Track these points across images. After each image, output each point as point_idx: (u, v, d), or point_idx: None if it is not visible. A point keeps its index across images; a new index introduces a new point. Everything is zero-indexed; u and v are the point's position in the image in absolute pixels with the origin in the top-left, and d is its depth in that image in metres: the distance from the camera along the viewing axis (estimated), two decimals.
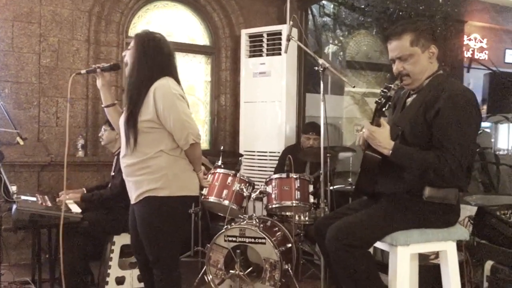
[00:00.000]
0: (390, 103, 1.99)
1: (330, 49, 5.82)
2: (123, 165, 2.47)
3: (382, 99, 1.99)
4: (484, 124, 7.92)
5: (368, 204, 2.21)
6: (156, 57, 2.40)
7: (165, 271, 2.45)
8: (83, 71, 2.60)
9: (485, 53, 7.14)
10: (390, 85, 1.99)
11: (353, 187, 4.09)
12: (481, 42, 7.17)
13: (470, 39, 7.10)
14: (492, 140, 7.09)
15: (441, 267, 2.13)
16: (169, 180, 2.35)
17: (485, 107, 6.65)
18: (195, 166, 2.48)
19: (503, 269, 2.22)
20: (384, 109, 2.01)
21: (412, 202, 2.07)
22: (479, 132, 6.71)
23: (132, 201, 2.49)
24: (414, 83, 2.15)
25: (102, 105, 2.64)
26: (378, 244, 2.10)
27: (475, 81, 8.01)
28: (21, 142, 2.73)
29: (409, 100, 2.21)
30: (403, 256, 2.01)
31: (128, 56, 2.45)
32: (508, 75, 6.26)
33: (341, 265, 2.03)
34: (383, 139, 2.02)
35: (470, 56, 6.95)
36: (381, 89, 1.99)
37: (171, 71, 2.45)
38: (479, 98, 7.43)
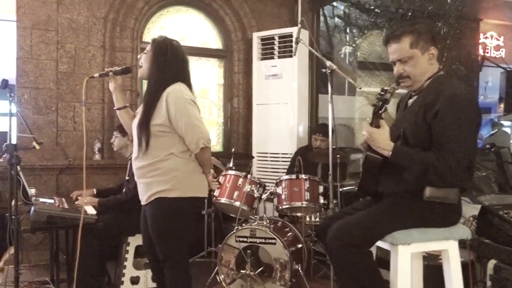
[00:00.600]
0: (386, 105, 2.02)
1: (342, 50, 5.84)
2: (134, 167, 2.56)
3: (379, 102, 2.03)
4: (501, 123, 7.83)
5: (372, 204, 2.24)
6: (172, 63, 2.48)
7: (175, 270, 2.53)
8: (96, 75, 2.68)
9: (501, 51, 7.05)
10: (387, 88, 2.02)
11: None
12: (497, 40, 7.08)
13: (486, 37, 7.02)
14: (511, 140, 7.00)
15: (444, 266, 2.14)
16: (179, 181, 2.43)
17: (502, 105, 6.58)
18: (204, 169, 2.55)
19: (506, 268, 2.22)
20: (381, 111, 2.04)
21: (413, 202, 2.09)
22: (495, 131, 6.64)
23: (143, 202, 2.56)
24: (414, 84, 2.17)
25: (115, 108, 2.73)
26: (379, 243, 2.13)
27: (493, 80, 7.92)
28: (37, 147, 2.84)
29: (411, 101, 2.23)
30: (404, 255, 2.03)
31: (144, 59, 2.54)
32: None
33: (341, 264, 2.07)
34: (383, 140, 2.05)
35: (482, 54, 6.86)
36: (378, 92, 2.02)
37: (184, 77, 2.54)
38: (496, 97, 7.37)
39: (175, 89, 2.43)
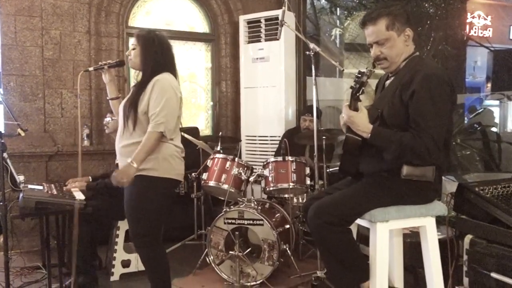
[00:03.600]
0: (364, 88, 2.05)
1: (333, 32, 5.85)
2: (119, 145, 2.65)
3: (356, 84, 2.06)
4: (488, 102, 7.89)
5: (352, 184, 2.29)
6: (161, 52, 2.62)
7: (147, 251, 2.62)
8: (90, 68, 2.89)
9: (489, 30, 7.08)
10: (363, 71, 2.05)
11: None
12: (485, 19, 7.11)
13: (473, 17, 7.05)
14: (495, 119, 7.05)
15: (422, 242, 2.20)
16: (159, 162, 2.53)
17: (489, 85, 6.62)
18: (140, 152, 2.45)
19: (481, 242, 2.29)
20: (358, 94, 2.08)
21: (390, 180, 2.14)
22: (480, 110, 6.69)
23: None
24: (391, 66, 2.20)
25: (108, 98, 2.89)
26: (358, 221, 2.19)
27: (481, 60, 7.95)
28: (22, 134, 2.85)
29: (388, 82, 2.26)
30: (382, 232, 2.09)
31: (133, 54, 2.65)
32: None
33: (321, 242, 2.13)
34: (362, 123, 2.10)
35: (466, 33, 6.89)
36: (355, 74, 2.06)
37: (172, 64, 2.68)
38: (484, 77, 7.41)
39: (164, 78, 2.56)
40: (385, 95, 2.21)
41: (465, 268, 2.35)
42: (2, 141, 2.54)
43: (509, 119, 6.93)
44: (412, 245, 2.69)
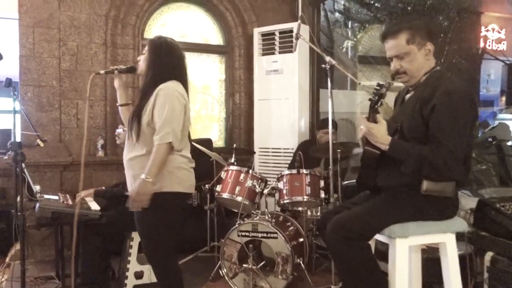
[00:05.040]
0: (383, 100, 2.05)
1: (344, 44, 5.85)
2: (125, 158, 2.55)
3: (375, 96, 2.06)
4: (503, 116, 7.82)
5: (370, 198, 2.27)
6: (167, 59, 2.51)
7: (160, 266, 2.54)
8: (102, 72, 2.75)
9: (503, 43, 7.04)
10: (382, 83, 2.05)
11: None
12: (499, 33, 7.07)
13: (487, 30, 7.01)
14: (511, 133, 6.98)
15: (441, 259, 2.17)
16: (164, 177, 2.41)
17: (503, 98, 6.58)
18: (151, 168, 2.34)
19: (503, 260, 2.26)
20: (377, 106, 2.07)
21: (410, 196, 2.12)
22: (495, 124, 6.63)
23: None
24: (411, 80, 2.20)
25: (117, 104, 2.77)
26: (377, 237, 2.17)
27: (495, 73, 7.90)
28: (41, 144, 2.88)
29: (407, 96, 2.26)
30: (401, 248, 2.07)
31: (142, 60, 2.58)
32: None
33: (339, 258, 2.11)
34: (380, 135, 2.08)
35: (482, 47, 6.86)
36: (374, 87, 2.05)
37: (180, 73, 2.55)
38: (498, 90, 7.36)
39: (168, 86, 2.44)
40: (404, 109, 2.20)
41: (485, 286, 2.32)
42: (21, 151, 2.55)
43: None
44: (428, 260, 2.66)
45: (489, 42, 7.03)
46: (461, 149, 2.01)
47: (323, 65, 3.16)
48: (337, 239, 2.06)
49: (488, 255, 2.32)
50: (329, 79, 3.12)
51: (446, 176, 2.03)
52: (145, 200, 2.34)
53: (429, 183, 2.06)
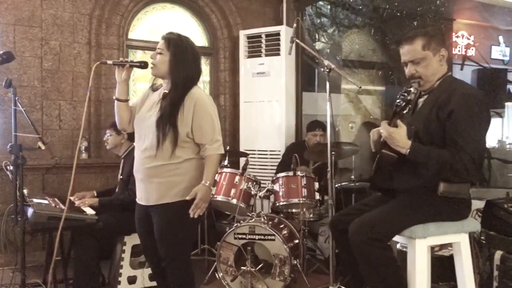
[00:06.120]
0: (410, 105, 2.10)
1: (325, 49, 5.93)
2: (147, 165, 2.43)
3: (402, 102, 2.11)
4: None
5: (383, 200, 2.32)
6: (194, 64, 2.45)
7: (181, 271, 2.50)
8: (109, 61, 2.55)
9: (472, 49, 7.33)
10: (410, 89, 2.10)
11: (357, 184, 4.24)
12: (468, 39, 7.35)
13: (457, 36, 7.27)
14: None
15: (455, 258, 2.25)
16: (192, 184, 2.39)
17: None
18: (210, 175, 2.41)
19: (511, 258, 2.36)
20: (404, 111, 2.12)
21: (428, 197, 2.18)
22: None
23: (150, 202, 2.47)
24: (425, 84, 2.27)
25: (115, 97, 2.54)
26: (396, 238, 2.22)
27: (463, 78, 8.22)
28: (43, 147, 2.77)
29: (421, 100, 2.32)
30: (421, 248, 2.13)
31: (159, 60, 2.41)
32: (495, 71, 6.46)
33: (364, 259, 2.14)
34: (401, 139, 2.13)
35: (464, 54, 7.12)
36: (400, 92, 2.10)
37: (199, 75, 2.52)
38: None
39: (201, 94, 2.43)
40: (420, 113, 2.26)
41: (495, 284, 2.41)
42: (22, 154, 2.45)
43: (495, 136, 7.16)
44: (432, 260, 2.72)
45: (459, 47, 7.30)
46: (479, 152, 2.09)
47: (322, 69, 3.19)
48: (362, 241, 2.09)
49: (498, 254, 2.41)
50: (327, 83, 3.15)
51: (464, 178, 2.10)
52: (206, 206, 2.39)
53: (446, 185, 2.13)
